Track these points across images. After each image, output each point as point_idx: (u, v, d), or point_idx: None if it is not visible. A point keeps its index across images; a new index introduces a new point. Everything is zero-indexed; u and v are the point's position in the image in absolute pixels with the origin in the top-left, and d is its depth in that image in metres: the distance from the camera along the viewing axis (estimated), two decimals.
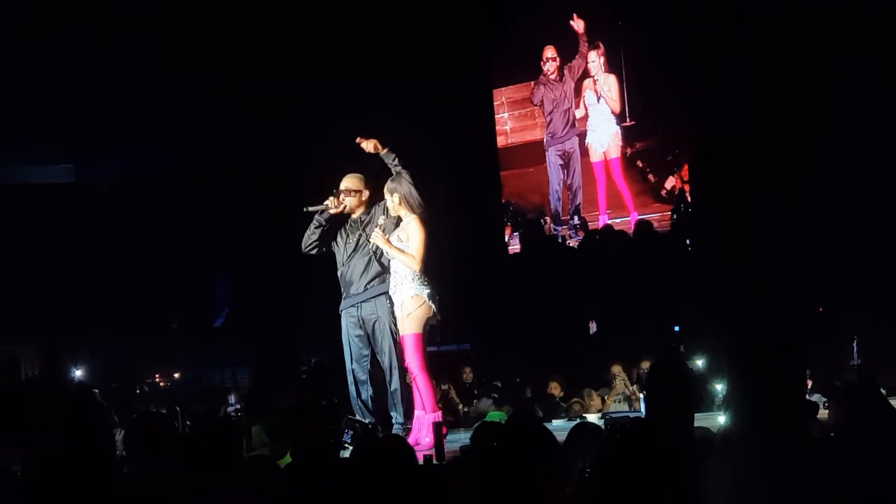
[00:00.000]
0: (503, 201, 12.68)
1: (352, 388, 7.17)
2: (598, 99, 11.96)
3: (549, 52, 12.26)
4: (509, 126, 12.86)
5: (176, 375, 10.55)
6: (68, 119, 11.21)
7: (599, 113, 11.98)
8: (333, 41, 11.53)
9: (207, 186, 11.66)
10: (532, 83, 12.46)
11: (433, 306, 6.73)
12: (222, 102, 11.27)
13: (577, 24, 11.89)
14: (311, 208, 7.07)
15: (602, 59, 11.94)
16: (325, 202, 7.05)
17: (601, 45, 11.96)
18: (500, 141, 12.80)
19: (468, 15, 11.88)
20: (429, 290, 6.71)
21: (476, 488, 3.53)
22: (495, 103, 12.89)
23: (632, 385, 8.45)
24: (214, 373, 10.46)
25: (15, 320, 10.62)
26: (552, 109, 12.31)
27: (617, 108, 11.94)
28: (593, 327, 10.44)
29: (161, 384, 10.43)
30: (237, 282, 12.28)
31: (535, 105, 12.41)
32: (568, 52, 12.20)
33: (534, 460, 3.58)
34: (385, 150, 6.90)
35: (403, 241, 6.73)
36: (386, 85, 11.42)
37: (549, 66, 12.23)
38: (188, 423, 7.42)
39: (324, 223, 7.06)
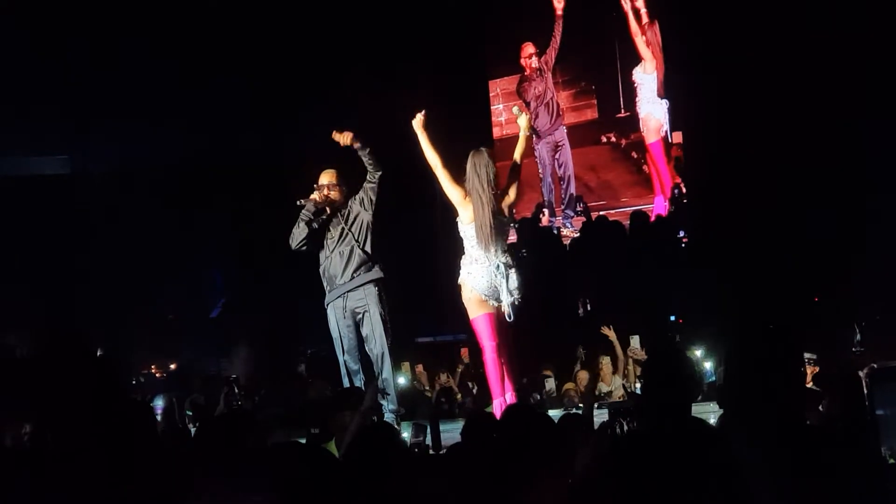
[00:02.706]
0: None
1: (345, 380, 7.20)
2: (647, 74, 11.87)
3: (529, 48, 12.24)
4: (504, 117, 12.88)
5: (172, 366, 10.55)
6: (65, 110, 11.22)
7: (649, 92, 11.89)
8: (329, 36, 11.55)
9: (204, 177, 11.67)
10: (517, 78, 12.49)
11: (473, 288, 6.66)
12: (219, 94, 11.27)
13: (558, 3, 11.76)
14: (303, 200, 7.10)
15: (644, 38, 11.81)
16: (312, 196, 7.09)
17: (656, 22, 11.75)
18: (495, 132, 12.82)
19: (464, 4, 11.90)
20: (467, 273, 6.67)
21: (467, 478, 3.56)
22: (490, 94, 12.91)
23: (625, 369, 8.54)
24: (211, 364, 10.45)
25: (9, 311, 10.61)
26: (536, 105, 12.32)
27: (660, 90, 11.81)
28: (584, 307, 10.46)
29: (157, 375, 10.42)
30: (233, 273, 12.29)
31: (527, 101, 12.42)
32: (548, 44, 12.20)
33: (531, 449, 3.61)
34: (359, 145, 6.94)
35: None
36: (381, 75, 11.44)
37: (533, 62, 12.21)
38: (188, 412, 7.46)
39: (312, 218, 7.09)
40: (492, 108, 12.87)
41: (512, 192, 6.80)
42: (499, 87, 12.97)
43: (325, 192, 7.10)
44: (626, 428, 4.36)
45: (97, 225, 11.59)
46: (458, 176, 6.69)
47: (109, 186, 11.81)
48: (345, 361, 7.16)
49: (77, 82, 11.09)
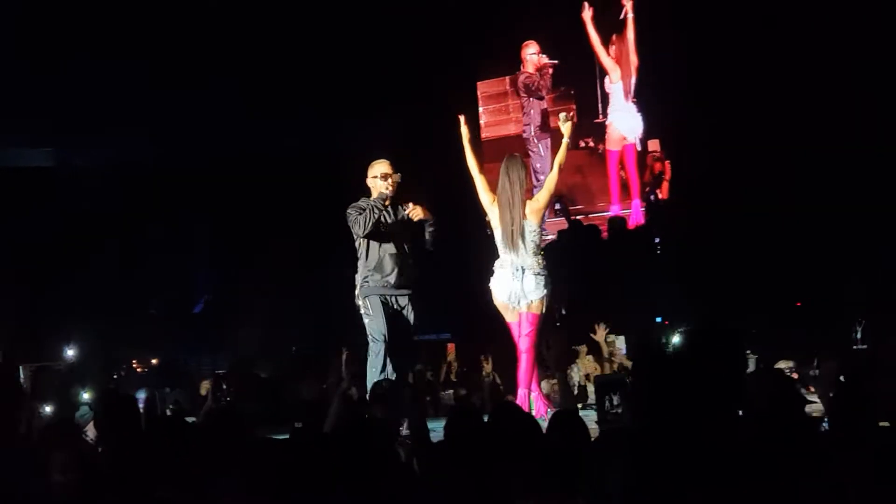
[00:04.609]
0: None
1: (380, 368, 7.02)
2: (613, 84, 11.84)
3: (534, 46, 12.17)
4: (484, 120, 12.86)
5: (154, 361, 10.55)
6: (49, 104, 11.22)
7: (617, 101, 11.84)
8: (322, 34, 11.60)
9: (187, 173, 11.69)
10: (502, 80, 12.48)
11: (496, 296, 6.92)
12: (206, 91, 11.31)
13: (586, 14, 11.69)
14: (384, 190, 7.08)
15: (613, 48, 11.77)
16: (389, 184, 7.09)
17: (625, 32, 11.64)
18: (480, 134, 12.81)
19: (454, 5, 11.92)
20: (493, 279, 6.95)
21: (452, 474, 3.63)
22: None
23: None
24: (192, 360, 10.48)
25: None
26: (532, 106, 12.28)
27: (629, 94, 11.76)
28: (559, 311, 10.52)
29: (138, 370, 10.42)
30: (217, 269, 12.31)
31: (541, 95, 12.31)
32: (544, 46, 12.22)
33: (515, 446, 3.68)
34: (429, 218, 7.19)
35: None
36: (369, 77, 11.49)
37: (544, 58, 12.13)
38: (170, 406, 7.49)
39: (383, 207, 7.09)
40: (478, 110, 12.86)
41: (542, 199, 6.95)
42: (480, 90, 12.96)
43: (394, 181, 7.13)
44: (615, 402, 4.42)
45: (80, 219, 11.60)
46: (493, 183, 6.93)
47: (94, 182, 11.83)
48: (386, 349, 7.04)
49: (70, 80, 11.09)
